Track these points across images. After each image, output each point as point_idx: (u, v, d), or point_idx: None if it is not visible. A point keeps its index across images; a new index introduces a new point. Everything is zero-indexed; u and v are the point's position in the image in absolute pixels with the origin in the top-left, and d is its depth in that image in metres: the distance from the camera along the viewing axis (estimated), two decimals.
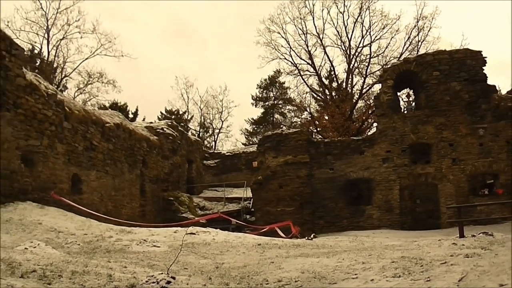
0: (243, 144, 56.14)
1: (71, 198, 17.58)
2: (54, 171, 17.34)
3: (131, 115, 51.15)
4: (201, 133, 57.01)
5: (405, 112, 27.97)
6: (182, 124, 48.11)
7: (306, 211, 24.96)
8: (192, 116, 58.16)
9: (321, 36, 44.36)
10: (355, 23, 43.45)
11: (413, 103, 28.55)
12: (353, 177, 25.37)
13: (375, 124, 31.37)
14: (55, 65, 41.34)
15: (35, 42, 40.91)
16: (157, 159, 27.12)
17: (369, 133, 33.73)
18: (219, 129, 57.97)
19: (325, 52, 45.14)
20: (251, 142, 55.64)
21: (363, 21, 43.34)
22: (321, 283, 7.27)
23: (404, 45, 42.31)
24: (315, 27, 44.62)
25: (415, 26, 42.10)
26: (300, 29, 44.61)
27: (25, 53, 23.77)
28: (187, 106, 57.44)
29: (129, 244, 12.08)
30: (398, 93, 28.71)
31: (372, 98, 34.79)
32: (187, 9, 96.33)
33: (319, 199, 25.25)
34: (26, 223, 13.05)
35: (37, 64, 39.58)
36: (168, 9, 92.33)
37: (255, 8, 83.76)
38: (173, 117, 53.49)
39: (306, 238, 18.13)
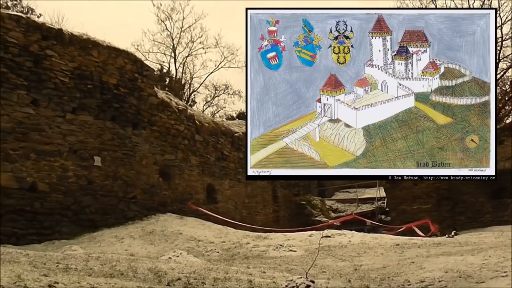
0: None
1: (207, 207, 18.21)
2: (190, 182, 18.08)
3: None
4: None
5: None
6: None
7: (444, 208, 23.84)
8: None
9: None
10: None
11: None
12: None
13: None
14: (183, 82, 43.16)
15: (163, 62, 42.83)
16: None
17: (507, 121, 31.64)
18: None
19: None
20: None
21: (490, 3, 40.90)
22: (467, 282, 6.85)
23: None
24: None
25: None
26: None
27: (155, 73, 25.05)
28: None
29: (266, 249, 12.24)
30: None
31: (508, 84, 32.57)
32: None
33: (457, 194, 23.99)
34: (168, 234, 13.70)
35: (166, 82, 41.46)
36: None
37: None
38: None
39: (447, 235, 17.28)
